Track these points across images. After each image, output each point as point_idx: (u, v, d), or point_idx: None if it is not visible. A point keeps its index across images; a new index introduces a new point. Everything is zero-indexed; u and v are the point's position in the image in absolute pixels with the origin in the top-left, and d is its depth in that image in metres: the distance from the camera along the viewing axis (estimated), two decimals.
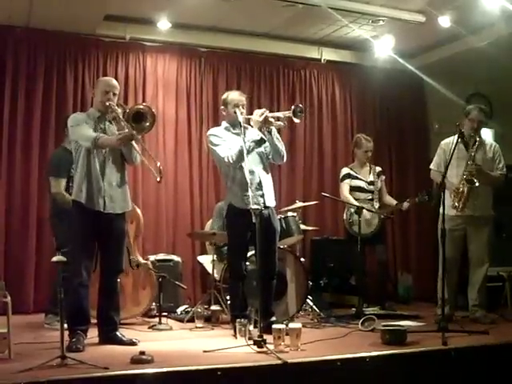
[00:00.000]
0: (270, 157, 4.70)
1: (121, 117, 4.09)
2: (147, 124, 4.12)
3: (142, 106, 4.22)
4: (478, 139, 5.21)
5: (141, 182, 6.51)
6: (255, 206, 4.16)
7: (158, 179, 4.07)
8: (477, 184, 5.04)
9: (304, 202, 6.25)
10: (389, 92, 7.67)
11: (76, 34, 6.39)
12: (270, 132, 4.54)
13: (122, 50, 6.63)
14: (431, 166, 5.49)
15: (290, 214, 5.58)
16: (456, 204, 5.11)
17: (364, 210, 5.72)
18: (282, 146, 4.65)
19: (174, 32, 6.64)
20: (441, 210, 4.72)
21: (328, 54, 7.44)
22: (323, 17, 6.33)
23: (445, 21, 6.22)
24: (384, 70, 7.41)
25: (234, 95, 4.67)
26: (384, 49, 6.99)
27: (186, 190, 6.74)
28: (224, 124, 4.70)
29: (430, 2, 6.10)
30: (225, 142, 4.53)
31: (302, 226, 5.83)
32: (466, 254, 5.28)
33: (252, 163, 4.52)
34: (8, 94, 6.14)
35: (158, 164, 4.08)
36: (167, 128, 6.71)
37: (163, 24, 6.47)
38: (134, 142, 4.11)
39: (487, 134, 7.90)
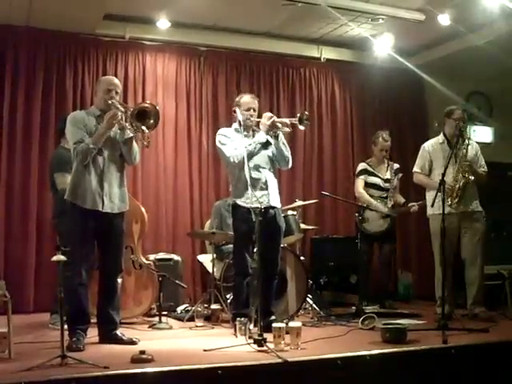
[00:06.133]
0: (276, 161, 4.75)
1: (122, 116, 4.08)
2: (151, 122, 4.10)
3: (147, 105, 4.17)
4: (466, 137, 5.23)
5: (140, 182, 6.52)
6: (256, 205, 4.17)
7: (146, 144, 4.06)
8: (472, 178, 5.05)
9: (304, 200, 6.25)
10: (388, 90, 7.67)
11: (75, 33, 6.39)
12: (276, 137, 4.61)
13: (121, 50, 6.63)
14: (415, 169, 5.46)
15: (289, 212, 5.57)
16: (450, 201, 5.08)
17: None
18: (287, 152, 4.71)
19: (173, 31, 6.65)
20: (436, 210, 4.74)
21: (327, 53, 7.45)
22: (322, 15, 6.34)
23: (444, 19, 6.22)
24: (383, 69, 7.40)
25: (247, 98, 4.74)
26: (383, 47, 6.99)
27: (185, 189, 6.75)
28: (234, 125, 4.73)
29: (429, 1, 6.09)
30: (232, 142, 4.59)
31: (302, 225, 5.82)
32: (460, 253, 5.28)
33: (260, 163, 4.63)
34: (7, 93, 6.13)
35: (146, 131, 4.05)
36: (167, 127, 6.70)
37: (162, 23, 6.48)
38: (129, 133, 4.09)
39: (487, 133, 7.94)
